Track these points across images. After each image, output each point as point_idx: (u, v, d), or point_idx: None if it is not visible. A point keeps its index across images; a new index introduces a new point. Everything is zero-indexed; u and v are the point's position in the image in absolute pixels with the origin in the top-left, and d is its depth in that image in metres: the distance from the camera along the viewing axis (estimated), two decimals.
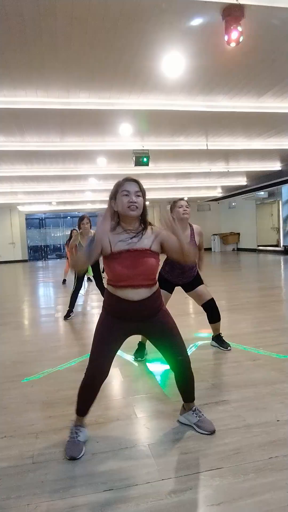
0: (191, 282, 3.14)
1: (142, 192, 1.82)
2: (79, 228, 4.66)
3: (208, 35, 3.74)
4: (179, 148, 8.05)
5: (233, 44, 3.43)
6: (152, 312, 1.87)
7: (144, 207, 1.84)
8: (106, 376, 1.86)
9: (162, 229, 1.85)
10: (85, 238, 4.61)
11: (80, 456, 1.77)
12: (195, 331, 3.92)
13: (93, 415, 2.16)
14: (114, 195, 1.82)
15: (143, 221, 1.86)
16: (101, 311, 1.94)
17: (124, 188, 1.79)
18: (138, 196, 1.79)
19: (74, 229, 8.03)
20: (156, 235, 1.85)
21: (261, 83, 5.09)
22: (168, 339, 1.91)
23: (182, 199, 3.04)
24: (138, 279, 1.79)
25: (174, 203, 3.02)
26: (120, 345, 1.92)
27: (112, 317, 1.86)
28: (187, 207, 2.98)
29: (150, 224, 1.90)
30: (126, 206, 1.76)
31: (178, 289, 3.27)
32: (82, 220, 4.63)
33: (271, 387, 2.42)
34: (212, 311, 3.18)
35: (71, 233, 8.06)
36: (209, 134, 7.58)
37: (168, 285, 3.09)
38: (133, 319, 1.85)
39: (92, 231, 4.64)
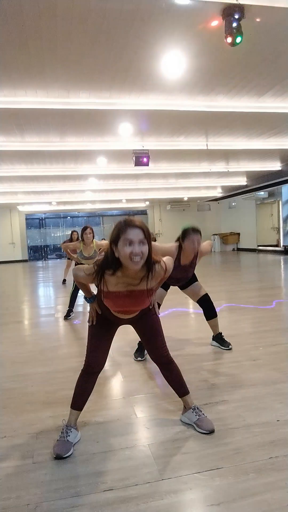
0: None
1: (147, 237, 1.63)
2: (82, 238, 4.75)
3: (208, 35, 3.74)
4: (179, 148, 8.04)
5: (233, 44, 3.42)
6: (142, 316, 1.98)
7: (150, 251, 1.66)
8: (104, 365, 1.98)
9: (163, 268, 1.79)
10: (87, 248, 4.76)
11: (66, 455, 1.77)
12: (194, 331, 3.92)
13: (93, 415, 2.16)
14: (115, 240, 1.63)
15: (148, 265, 1.69)
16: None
17: (127, 236, 1.59)
18: (143, 244, 1.61)
19: (74, 231, 8.03)
20: (157, 278, 1.79)
21: (261, 83, 5.08)
22: (155, 331, 2.01)
23: (197, 230, 2.80)
24: (132, 311, 1.89)
25: (187, 233, 2.80)
26: (114, 333, 2.02)
27: (103, 317, 1.96)
28: (199, 244, 2.80)
29: (155, 262, 1.73)
30: (129, 258, 1.59)
31: (177, 288, 3.28)
32: (85, 230, 4.72)
33: (271, 387, 2.42)
34: (207, 307, 3.20)
35: (71, 234, 8.05)
36: (209, 134, 7.58)
37: (164, 284, 3.09)
38: (123, 323, 2.00)
39: (96, 241, 4.79)
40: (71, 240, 7.92)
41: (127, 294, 1.76)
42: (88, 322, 1.97)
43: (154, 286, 1.82)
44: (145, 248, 1.62)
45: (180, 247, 2.92)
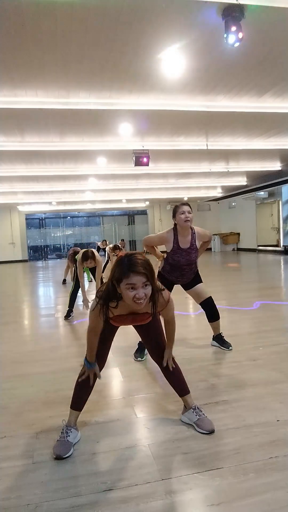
0: (190, 281, 3.16)
1: (150, 279, 1.59)
2: (82, 263, 4.64)
3: (208, 35, 3.74)
4: (179, 148, 8.05)
5: (233, 44, 3.43)
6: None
7: (153, 289, 1.64)
8: (103, 366, 1.98)
9: (166, 300, 1.79)
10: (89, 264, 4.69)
11: (66, 455, 1.77)
12: (194, 331, 3.92)
13: (93, 415, 2.16)
14: (118, 281, 1.60)
15: (152, 296, 1.67)
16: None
17: (130, 281, 1.56)
18: (147, 286, 1.59)
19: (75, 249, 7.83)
20: (160, 307, 1.78)
21: (261, 83, 5.09)
22: (155, 331, 2.01)
23: (184, 203, 2.94)
24: (134, 325, 1.93)
25: (176, 208, 2.94)
26: (114, 334, 2.02)
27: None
28: (190, 213, 2.88)
29: (159, 290, 1.72)
30: (132, 301, 1.59)
31: (178, 289, 3.28)
32: (86, 260, 4.57)
33: (271, 387, 2.42)
34: (210, 310, 3.19)
35: (74, 253, 7.73)
36: (209, 134, 7.58)
37: (168, 284, 3.10)
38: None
39: (97, 259, 4.66)
40: (74, 254, 7.61)
41: (130, 315, 1.79)
42: (80, 378, 1.92)
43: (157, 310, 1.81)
44: (148, 290, 1.60)
45: (175, 229, 2.95)
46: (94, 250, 4.77)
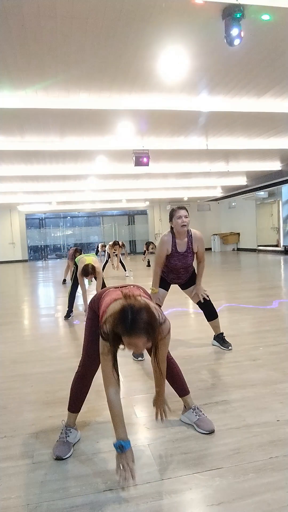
0: (187, 280, 3.19)
1: (152, 338, 1.49)
2: (82, 276, 4.61)
3: (208, 35, 3.74)
4: (179, 148, 8.04)
5: (233, 44, 3.42)
6: None
7: (154, 338, 1.52)
8: (98, 366, 1.91)
9: (165, 333, 1.70)
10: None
11: (66, 456, 1.77)
12: (194, 331, 3.92)
13: (93, 415, 2.16)
14: (121, 333, 1.49)
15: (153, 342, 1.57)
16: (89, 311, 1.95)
17: (131, 341, 1.46)
18: (148, 343, 1.49)
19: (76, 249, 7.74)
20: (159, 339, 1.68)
21: (261, 83, 5.09)
22: None
23: (181, 207, 2.94)
24: None
25: (173, 212, 2.95)
26: None
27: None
28: (186, 217, 2.88)
29: (159, 325, 1.58)
30: (133, 353, 1.53)
31: (178, 288, 3.28)
32: (86, 276, 4.54)
33: (271, 387, 2.42)
34: (207, 309, 3.21)
35: (74, 252, 7.60)
36: (209, 134, 7.58)
37: (164, 283, 3.12)
38: None
39: (98, 271, 4.59)
40: (74, 254, 7.44)
41: None
42: (121, 482, 1.53)
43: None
44: (149, 344, 1.52)
45: (172, 232, 2.97)
46: (95, 259, 4.73)
